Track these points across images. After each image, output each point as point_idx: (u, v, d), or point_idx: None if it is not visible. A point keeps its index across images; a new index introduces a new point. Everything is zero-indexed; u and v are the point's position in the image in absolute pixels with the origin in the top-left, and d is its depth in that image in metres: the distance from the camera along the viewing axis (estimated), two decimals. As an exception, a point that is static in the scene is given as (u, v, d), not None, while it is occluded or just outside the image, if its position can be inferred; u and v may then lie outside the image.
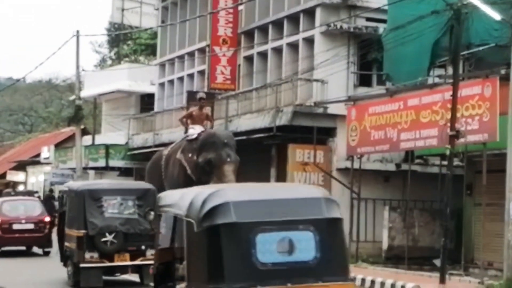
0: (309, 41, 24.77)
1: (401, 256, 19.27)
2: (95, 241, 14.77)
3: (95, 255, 14.93)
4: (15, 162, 49.39)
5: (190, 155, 16.32)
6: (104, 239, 15.17)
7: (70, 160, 35.88)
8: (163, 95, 33.75)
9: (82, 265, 14.72)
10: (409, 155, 20.38)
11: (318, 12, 24.08)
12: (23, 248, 23.57)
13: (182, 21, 31.86)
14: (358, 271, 17.26)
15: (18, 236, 22.70)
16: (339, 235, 6.97)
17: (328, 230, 6.54)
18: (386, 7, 21.81)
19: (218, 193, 6.49)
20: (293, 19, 25.53)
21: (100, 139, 37.04)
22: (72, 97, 36.88)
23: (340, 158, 22.37)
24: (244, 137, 23.83)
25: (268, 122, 23.41)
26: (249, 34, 27.96)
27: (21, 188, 42.66)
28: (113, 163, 33.97)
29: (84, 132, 36.99)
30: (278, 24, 26.37)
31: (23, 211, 24.05)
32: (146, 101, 36.22)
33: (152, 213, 12.61)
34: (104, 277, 15.70)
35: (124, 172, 35.51)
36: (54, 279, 16.93)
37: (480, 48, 18.01)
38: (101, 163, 34.29)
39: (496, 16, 15.16)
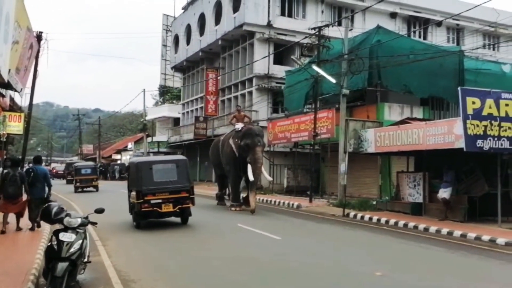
0: (250, 93, 31.25)
1: (292, 190, 23.65)
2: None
3: None
4: (115, 150, 65.66)
5: (236, 140, 17.73)
6: None
7: (141, 149, 46.45)
8: (184, 118, 42.82)
9: None
10: (296, 144, 25.00)
11: (254, 79, 30.60)
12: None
13: (193, 84, 39.49)
14: (272, 197, 21.99)
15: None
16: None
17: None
18: (285, 77, 26.94)
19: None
20: (243, 82, 32.23)
21: (155, 139, 48.62)
22: (142, 120, 46.88)
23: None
24: (221, 138, 29.69)
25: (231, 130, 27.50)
26: (223, 89, 35.13)
27: (118, 161, 57.29)
28: (161, 149, 45.66)
29: (148, 136, 47.19)
30: (236, 85, 33.26)
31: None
32: (176, 121, 46.94)
33: None
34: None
35: (166, 154, 45.49)
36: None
37: (327, 95, 22.52)
38: (156, 149, 45.87)
39: (333, 80, 19.81)
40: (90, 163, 41.02)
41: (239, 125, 18.52)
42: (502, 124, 12.64)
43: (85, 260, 7.09)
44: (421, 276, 7.91)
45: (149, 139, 49.27)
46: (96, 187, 29.73)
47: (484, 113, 12.51)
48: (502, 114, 12.69)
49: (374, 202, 18.33)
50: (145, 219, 13.37)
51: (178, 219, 13.95)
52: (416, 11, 35.20)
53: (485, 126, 12.50)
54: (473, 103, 12.49)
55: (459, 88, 12.74)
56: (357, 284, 7.27)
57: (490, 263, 9.31)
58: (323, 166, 24.08)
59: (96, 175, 30.80)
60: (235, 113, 20.76)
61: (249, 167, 16.82)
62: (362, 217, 16.14)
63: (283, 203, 20.20)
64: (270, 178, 19.98)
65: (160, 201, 12.91)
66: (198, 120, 36.15)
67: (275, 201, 21.17)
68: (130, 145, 57.43)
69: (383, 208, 17.56)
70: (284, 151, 27.19)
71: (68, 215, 6.85)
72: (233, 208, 17.89)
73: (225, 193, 20.39)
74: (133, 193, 13.28)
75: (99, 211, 7.45)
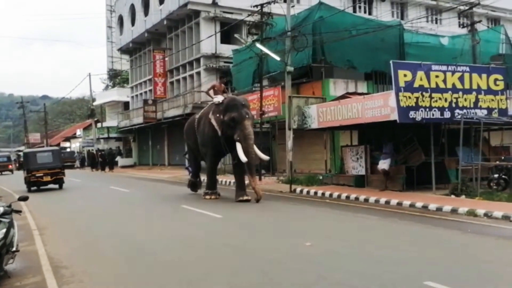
0: (198, 73, 31.44)
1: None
2: None
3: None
4: (64, 137, 62.34)
5: (217, 115, 15.04)
6: None
7: (90, 135, 46.35)
8: (133, 102, 42.35)
9: None
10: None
11: (202, 59, 30.83)
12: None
13: (139, 66, 39.44)
14: (223, 177, 22.18)
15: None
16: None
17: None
18: (232, 56, 27.21)
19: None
20: (190, 62, 32.30)
21: (105, 124, 48.19)
22: (90, 105, 46.25)
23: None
24: (170, 120, 30.76)
25: (181, 112, 29.75)
26: (171, 71, 35.07)
27: (68, 149, 57.78)
28: (111, 135, 45.71)
29: (97, 121, 47.08)
30: (184, 65, 33.28)
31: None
32: (126, 105, 45.84)
33: None
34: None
35: (117, 139, 46.72)
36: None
37: (274, 73, 23.14)
38: (105, 135, 46.00)
39: (277, 58, 20.10)
40: (6, 153, 51.57)
41: (219, 98, 15.57)
42: (433, 95, 13.21)
43: (13, 249, 6.94)
44: (347, 243, 8.30)
45: (99, 124, 48.36)
46: (11, 170, 40.02)
47: (416, 85, 13.03)
48: (433, 85, 13.23)
49: (321, 177, 18.73)
50: (34, 186, 21.48)
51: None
52: (360, -14, 35.68)
53: (417, 98, 13.04)
54: (405, 75, 12.98)
55: (391, 62, 13.17)
56: (283, 254, 7.55)
57: (417, 227, 9.85)
58: (274, 144, 24.37)
59: (10, 162, 41.84)
60: (215, 84, 17.78)
61: (239, 146, 14.34)
62: (308, 192, 16.59)
63: (234, 182, 20.31)
64: (267, 158, 16.26)
65: (42, 174, 21.04)
66: (147, 103, 35.83)
67: (225, 181, 21.29)
68: (79, 132, 56.46)
69: (329, 182, 18.12)
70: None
71: None
72: (207, 197, 15.53)
73: (200, 181, 17.98)
74: (25, 171, 21.35)
75: (23, 199, 7.46)
